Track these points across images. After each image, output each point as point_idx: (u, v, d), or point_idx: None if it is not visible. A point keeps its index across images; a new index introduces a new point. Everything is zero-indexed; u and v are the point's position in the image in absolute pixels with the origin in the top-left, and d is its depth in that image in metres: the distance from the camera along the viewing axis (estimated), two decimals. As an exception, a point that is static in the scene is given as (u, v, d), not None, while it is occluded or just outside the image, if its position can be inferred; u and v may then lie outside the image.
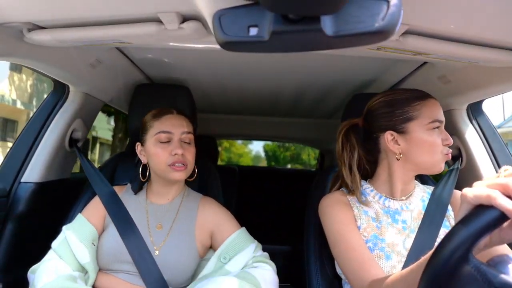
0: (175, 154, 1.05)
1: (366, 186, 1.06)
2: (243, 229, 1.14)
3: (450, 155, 0.97)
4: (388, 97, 1.02)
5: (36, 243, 1.32)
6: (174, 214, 1.12)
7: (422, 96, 0.99)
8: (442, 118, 0.98)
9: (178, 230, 1.09)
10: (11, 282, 1.20)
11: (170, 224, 1.10)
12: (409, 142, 0.97)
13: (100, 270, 1.05)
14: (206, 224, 1.12)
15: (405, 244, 0.96)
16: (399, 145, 0.98)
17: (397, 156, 0.99)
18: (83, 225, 1.06)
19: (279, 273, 1.08)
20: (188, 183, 1.22)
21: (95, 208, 1.12)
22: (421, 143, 0.95)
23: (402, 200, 1.03)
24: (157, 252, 1.03)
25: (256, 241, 1.14)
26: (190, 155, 1.10)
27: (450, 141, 0.97)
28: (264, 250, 1.16)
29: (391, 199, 1.02)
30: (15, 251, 1.23)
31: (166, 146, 1.07)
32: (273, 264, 1.09)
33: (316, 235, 1.19)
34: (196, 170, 1.20)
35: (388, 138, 0.99)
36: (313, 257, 1.15)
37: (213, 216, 1.13)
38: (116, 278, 1.02)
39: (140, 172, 1.16)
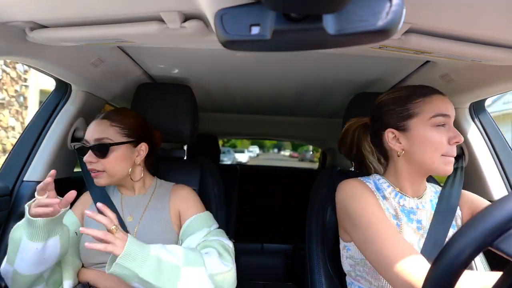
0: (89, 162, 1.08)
1: (382, 181, 1.02)
2: (205, 213, 1.15)
3: (449, 157, 0.91)
4: (393, 94, 0.99)
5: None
6: (145, 204, 1.16)
7: (426, 92, 0.94)
8: (449, 112, 0.92)
9: (149, 218, 1.12)
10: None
11: (140, 214, 1.13)
12: (410, 140, 0.93)
13: (83, 266, 1.08)
14: (177, 208, 1.15)
15: (419, 244, 0.94)
16: (400, 143, 0.96)
17: (398, 153, 0.96)
18: (67, 217, 1.10)
19: (281, 272, 1.08)
20: (188, 181, 1.24)
21: (83, 201, 1.18)
22: (423, 141, 0.91)
23: (416, 199, 0.99)
24: None
25: (214, 226, 1.13)
26: (106, 163, 1.07)
27: (460, 138, 0.90)
28: (265, 248, 1.16)
29: (406, 197, 0.98)
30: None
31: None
32: (224, 250, 1.06)
33: (318, 233, 1.19)
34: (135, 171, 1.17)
35: (388, 136, 0.97)
36: (315, 255, 1.15)
37: (181, 200, 1.16)
38: (99, 271, 1.05)
39: None
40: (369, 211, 0.88)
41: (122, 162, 1.10)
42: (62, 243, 0.95)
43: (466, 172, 1.31)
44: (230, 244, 1.09)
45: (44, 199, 0.88)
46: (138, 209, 1.15)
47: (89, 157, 1.07)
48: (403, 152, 0.96)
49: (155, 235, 1.08)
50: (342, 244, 1.05)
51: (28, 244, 0.89)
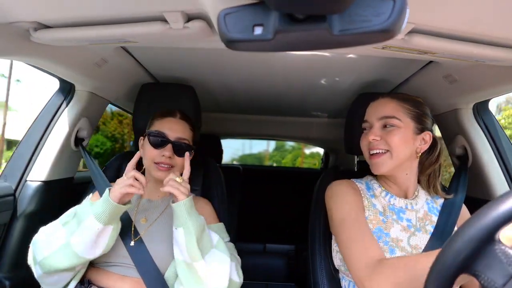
0: (163, 155, 1.09)
1: (374, 181, 1.10)
2: (218, 224, 1.17)
3: (372, 155, 1.01)
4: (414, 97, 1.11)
5: (42, 241, 1.34)
6: (162, 209, 1.16)
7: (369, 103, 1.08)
8: (371, 117, 1.04)
9: (163, 222, 1.12)
10: (18, 279, 1.21)
11: (155, 217, 1.14)
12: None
13: (92, 265, 1.07)
14: None
15: (410, 241, 0.97)
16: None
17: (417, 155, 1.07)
18: None
19: (283, 272, 1.09)
20: (191, 181, 1.23)
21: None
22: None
23: (406, 199, 1.05)
24: (132, 243, 1.06)
25: (226, 239, 1.14)
26: (179, 159, 1.12)
27: (369, 138, 1.00)
28: (268, 249, 1.17)
29: (396, 197, 1.05)
30: (22, 249, 1.24)
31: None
32: (239, 266, 1.10)
33: (320, 234, 1.19)
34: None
35: (427, 138, 1.08)
36: (317, 253, 1.16)
37: (198, 210, 1.15)
38: (107, 271, 1.05)
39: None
40: (345, 210, 0.98)
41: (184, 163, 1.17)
42: (111, 236, 0.98)
43: (469, 173, 1.30)
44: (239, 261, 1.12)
45: (141, 176, 0.98)
46: (154, 213, 1.16)
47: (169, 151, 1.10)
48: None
49: (163, 238, 1.08)
50: (333, 239, 1.11)
51: (93, 223, 0.93)
